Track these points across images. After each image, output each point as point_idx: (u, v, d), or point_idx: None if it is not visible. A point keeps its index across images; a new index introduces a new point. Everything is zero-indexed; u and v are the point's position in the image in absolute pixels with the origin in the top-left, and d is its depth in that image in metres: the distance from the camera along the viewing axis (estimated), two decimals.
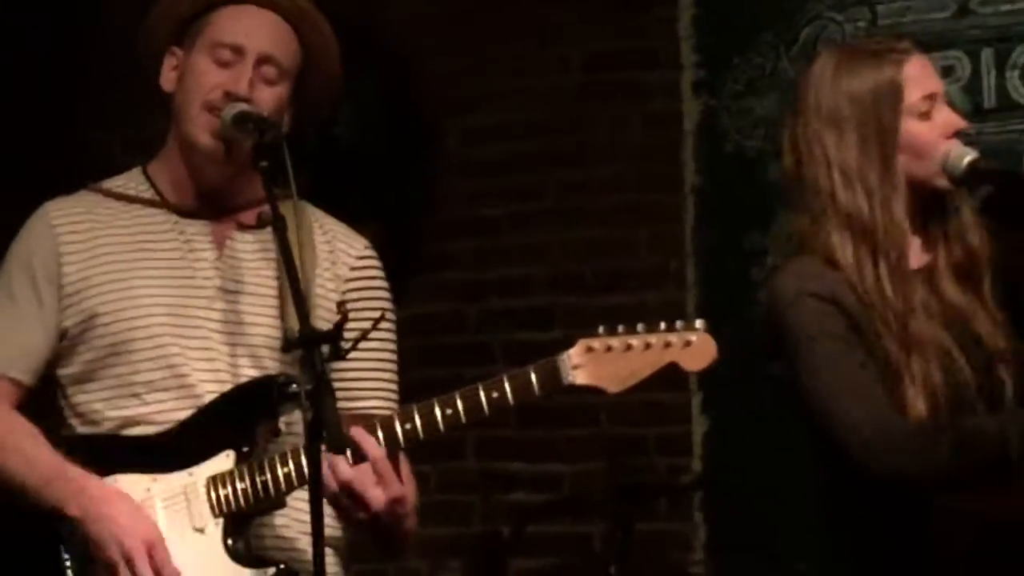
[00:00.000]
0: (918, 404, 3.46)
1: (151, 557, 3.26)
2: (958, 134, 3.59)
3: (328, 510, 3.30)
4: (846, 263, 3.54)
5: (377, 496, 3.23)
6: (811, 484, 3.77)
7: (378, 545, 3.46)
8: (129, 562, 3.25)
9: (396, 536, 3.40)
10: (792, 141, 3.66)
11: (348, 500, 3.24)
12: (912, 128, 3.57)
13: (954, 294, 3.58)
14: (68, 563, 3.36)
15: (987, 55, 5.33)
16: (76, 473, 3.35)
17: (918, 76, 3.60)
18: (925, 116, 3.58)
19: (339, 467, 3.19)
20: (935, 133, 3.57)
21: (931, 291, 3.58)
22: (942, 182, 3.58)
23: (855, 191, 3.56)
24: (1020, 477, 3.39)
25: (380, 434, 3.29)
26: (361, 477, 3.22)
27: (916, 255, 3.62)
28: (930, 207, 3.64)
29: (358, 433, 3.24)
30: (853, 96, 3.60)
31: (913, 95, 3.57)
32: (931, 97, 3.59)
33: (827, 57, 3.69)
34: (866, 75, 3.60)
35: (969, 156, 3.54)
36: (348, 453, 3.19)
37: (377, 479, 3.23)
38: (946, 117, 3.60)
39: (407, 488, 3.33)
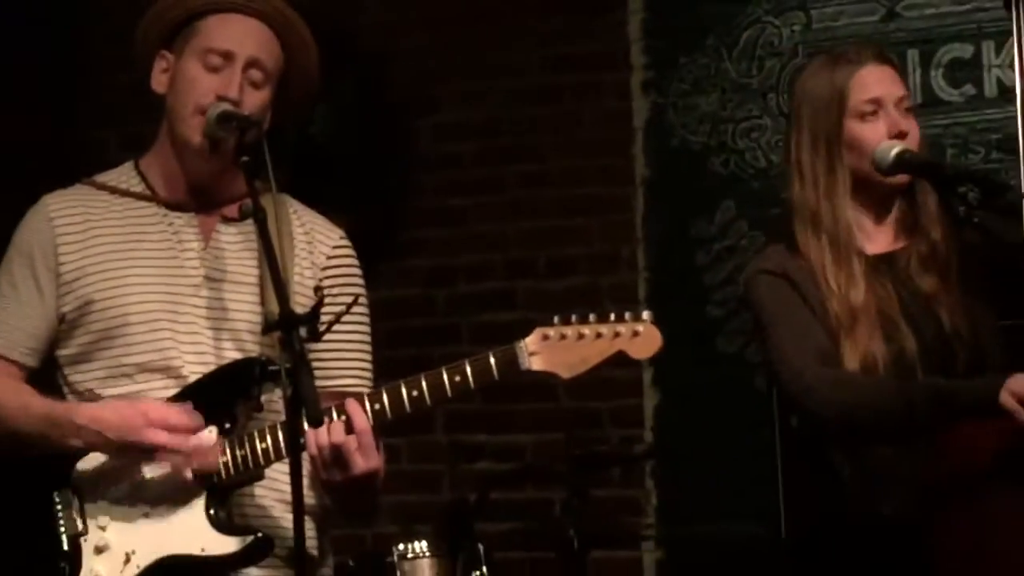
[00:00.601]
0: (852, 367, 3.58)
1: (153, 424, 3.27)
2: (901, 135, 3.62)
3: (305, 481, 3.31)
4: (804, 248, 3.69)
5: (358, 462, 3.23)
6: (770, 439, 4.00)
7: (347, 510, 3.49)
8: (157, 444, 3.27)
9: (365, 503, 3.44)
10: (781, 146, 3.82)
11: (332, 462, 3.23)
12: (854, 128, 3.68)
13: (921, 279, 3.67)
14: (61, 518, 3.36)
15: (913, 55, 5.33)
16: (63, 408, 3.40)
17: (867, 82, 3.69)
18: (868, 117, 3.67)
19: (334, 430, 3.21)
20: (876, 133, 3.63)
21: (896, 274, 3.68)
22: (880, 176, 3.61)
23: (806, 184, 3.72)
24: (922, 437, 3.48)
25: (370, 408, 3.28)
26: (347, 443, 3.21)
27: (884, 241, 3.75)
28: (894, 200, 3.74)
29: (351, 406, 3.26)
30: (810, 100, 3.75)
31: (857, 99, 3.68)
32: (875, 101, 3.68)
33: (806, 67, 3.80)
34: (822, 81, 3.74)
35: (896, 148, 3.64)
36: (342, 422, 3.22)
37: (360, 448, 3.22)
38: (891, 121, 3.67)
39: (380, 462, 3.32)
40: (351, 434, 3.22)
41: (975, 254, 3.65)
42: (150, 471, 3.34)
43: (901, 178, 3.67)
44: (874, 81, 3.69)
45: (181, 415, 3.30)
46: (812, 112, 3.71)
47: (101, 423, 3.32)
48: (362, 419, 3.24)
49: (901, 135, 3.65)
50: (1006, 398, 3.35)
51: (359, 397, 3.31)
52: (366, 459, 3.24)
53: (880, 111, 3.67)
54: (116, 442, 3.31)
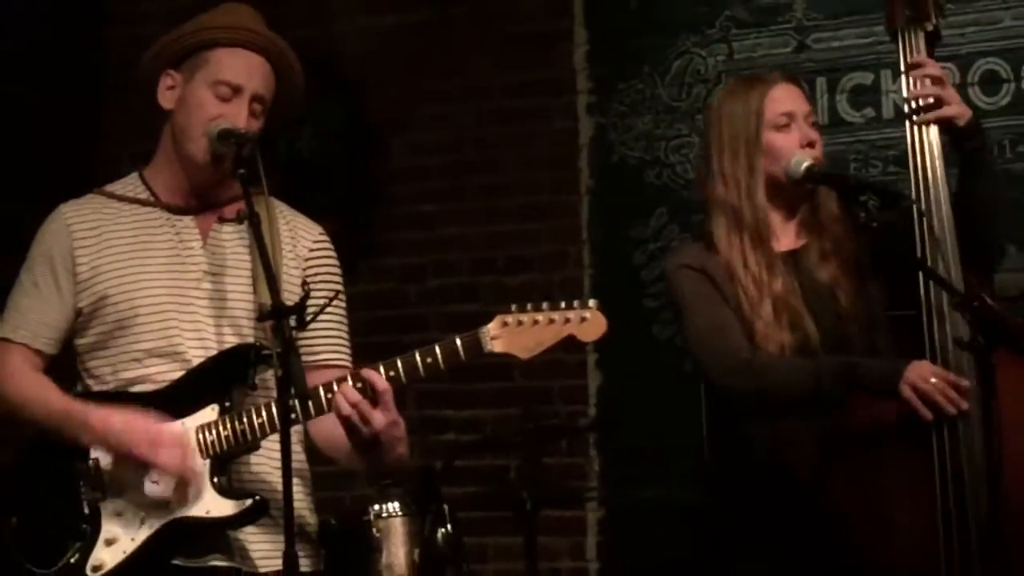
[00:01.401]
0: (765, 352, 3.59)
1: (162, 441, 3.27)
2: (812, 145, 3.63)
3: (296, 448, 3.40)
4: (721, 245, 3.68)
5: (379, 418, 3.20)
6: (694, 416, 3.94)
7: (374, 467, 3.46)
8: (150, 457, 3.26)
9: (391, 458, 3.36)
10: (699, 159, 3.80)
11: (357, 418, 3.20)
12: (770, 137, 3.69)
13: (820, 273, 3.67)
14: (82, 485, 3.36)
15: (821, 82, 5.35)
16: (78, 408, 3.38)
17: (780, 98, 3.71)
18: (782, 128, 3.68)
19: (350, 392, 3.20)
20: (790, 141, 3.64)
21: (799, 269, 3.68)
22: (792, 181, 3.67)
23: (728, 187, 3.70)
24: (833, 406, 3.48)
25: (399, 367, 3.27)
26: (366, 401, 3.20)
27: (790, 240, 3.74)
28: (800, 203, 3.74)
29: (369, 372, 3.24)
30: (729, 114, 3.74)
31: (773, 112, 3.69)
32: (788, 114, 3.70)
33: (720, 90, 3.81)
34: (741, 98, 3.74)
35: (807, 162, 3.64)
36: (358, 385, 3.21)
37: (380, 405, 3.21)
38: (802, 132, 3.69)
39: (399, 418, 3.30)
40: (373, 395, 3.20)
41: (867, 252, 3.66)
42: None
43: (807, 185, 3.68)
44: (786, 97, 3.72)
45: (176, 441, 3.28)
46: (732, 124, 3.70)
47: (109, 431, 3.31)
48: (380, 381, 3.22)
49: (811, 144, 3.68)
50: (904, 389, 3.37)
51: (343, 377, 3.28)
52: (387, 413, 3.22)
53: (792, 123, 3.68)
54: (116, 450, 3.31)
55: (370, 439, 3.24)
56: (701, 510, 3.90)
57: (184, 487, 3.28)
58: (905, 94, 3.67)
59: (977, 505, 3.34)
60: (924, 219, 3.53)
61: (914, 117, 3.62)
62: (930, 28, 3.72)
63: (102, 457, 3.34)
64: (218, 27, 3.47)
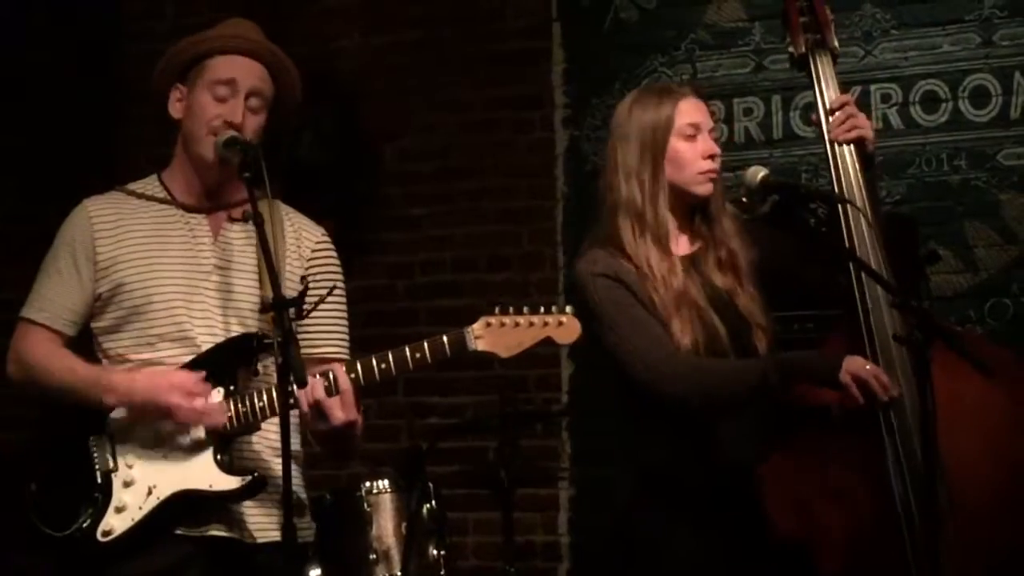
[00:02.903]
0: (683, 347, 3.49)
1: (174, 387, 3.28)
2: (713, 157, 3.59)
3: (292, 430, 3.37)
4: (626, 243, 3.57)
5: (338, 415, 3.24)
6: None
7: (331, 453, 3.48)
8: (174, 409, 3.28)
9: (347, 449, 3.44)
10: (604, 157, 3.69)
11: (317, 414, 3.25)
12: (677, 145, 3.60)
13: (717, 278, 3.60)
14: (96, 457, 3.37)
15: (776, 100, 5.35)
16: (102, 372, 3.40)
17: (688, 110, 3.63)
18: (689, 139, 3.61)
19: (316, 389, 3.21)
20: (694, 152, 3.60)
21: (696, 273, 3.60)
22: (698, 189, 3.61)
23: (632, 185, 3.59)
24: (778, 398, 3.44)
25: (360, 370, 3.31)
26: (330, 400, 3.23)
27: (685, 245, 3.66)
28: (694, 213, 3.66)
29: (336, 369, 3.27)
30: (640, 119, 3.62)
31: (681, 121, 3.61)
32: (695, 126, 3.62)
33: (629, 95, 3.71)
34: (651, 105, 3.64)
35: (762, 173, 3.59)
36: (327, 382, 3.23)
37: (342, 404, 3.25)
38: (705, 144, 3.64)
39: (359, 416, 3.33)
40: (337, 393, 3.23)
41: (755, 259, 3.62)
42: (169, 421, 3.34)
43: (705, 190, 3.60)
44: (694, 110, 3.62)
45: (196, 382, 3.30)
46: (641, 129, 3.59)
47: (133, 384, 3.32)
48: (345, 380, 3.25)
49: (713, 156, 3.60)
50: (844, 376, 3.36)
51: (341, 365, 3.31)
52: (346, 412, 3.25)
53: (698, 135, 3.60)
54: (141, 402, 3.30)
55: (328, 431, 3.28)
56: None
57: (207, 419, 3.29)
58: (824, 125, 3.66)
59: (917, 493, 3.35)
60: (853, 222, 3.54)
61: (839, 138, 3.61)
62: (836, 50, 3.73)
63: (120, 418, 3.35)
64: (213, 38, 3.50)
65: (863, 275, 3.50)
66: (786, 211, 3.62)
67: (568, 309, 3.32)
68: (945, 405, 3.19)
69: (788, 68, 5.24)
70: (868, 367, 3.37)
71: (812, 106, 3.73)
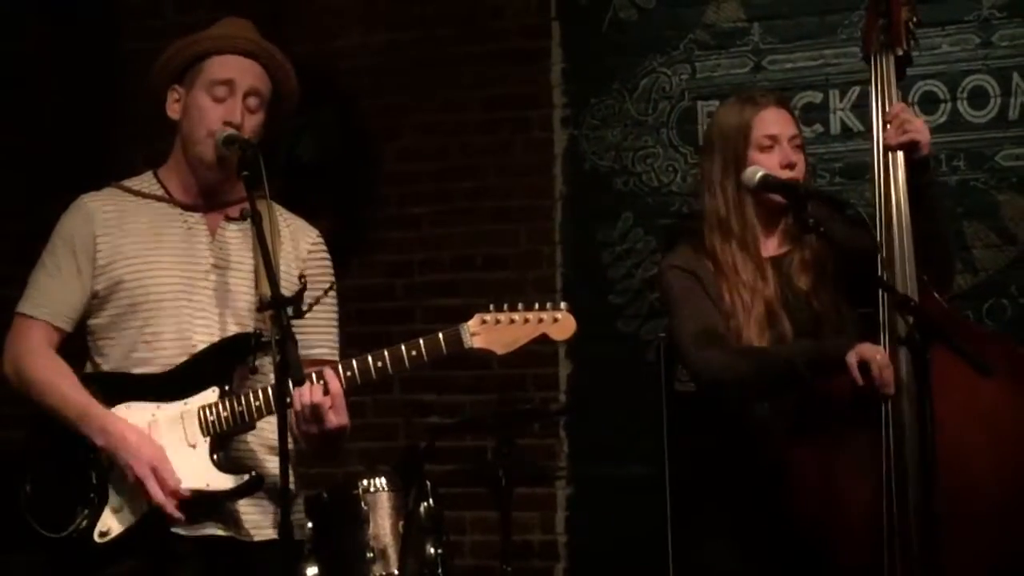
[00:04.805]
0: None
1: (157, 473, 3.24)
2: (791, 166, 3.61)
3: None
4: (716, 251, 3.66)
5: (331, 418, 3.24)
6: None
7: (317, 453, 3.47)
8: (144, 479, 3.24)
9: (332, 451, 3.44)
10: (698, 168, 3.76)
11: (311, 417, 3.24)
12: (754, 156, 3.65)
13: (800, 278, 3.66)
14: (92, 459, 3.34)
15: None
16: (98, 412, 3.33)
17: (767, 120, 3.67)
18: (766, 150, 3.65)
19: (314, 392, 3.21)
20: (772, 163, 3.64)
21: (781, 274, 3.66)
22: (777, 198, 3.63)
23: (716, 196, 3.68)
24: (809, 385, 3.45)
25: (345, 372, 3.30)
26: (323, 403, 3.22)
27: (773, 247, 3.71)
28: (782, 214, 3.68)
29: (328, 373, 3.27)
30: (722, 131, 3.71)
31: (758, 133, 3.66)
32: (772, 137, 3.66)
33: (720, 105, 3.76)
34: (733, 116, 3.71)
35: (761, 172, 3.60)
36: (318, 384, 3.23)
37: (333, 407, 3.24)
38: (783, 154, 3.66)
39: (347, 420, 3.32)
40: (327, 395, 3.23)
41: (840, 260, 3.63)
42: (165, 420, 3.32)
43: (776, 198, 3.63)
44: (773, 121, 3.67)
45: (172, 475, 3.25)
46: (723, 141, 3.68)
47: (121, 443, 3.28)
48: (336, 384, 3.25)
49: (791, 166, 3.63)
50: (849, 356, 3.36)
51: (335, 365, 3.31)
52: (338, 417, 3.25)
53: (776, 145, 3.64)
54: (122, 462, 3.27)
55: (316, 433, 3.27)
56: (658, 486, 3.83)
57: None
58: (876, 127, 3.63)
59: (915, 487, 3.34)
60: (877, 227, 3.53)
61: (890, 143, 3.58)
62: (900, 53, 3.70)
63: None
64: (209, 38, 3.48)
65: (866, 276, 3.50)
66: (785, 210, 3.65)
67: (563, 306, 3.32)
68: (958, 402, 3.22)
69: (786, 69, 5.33)
70: (879, 354, 3.36)
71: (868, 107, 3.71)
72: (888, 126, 3.61)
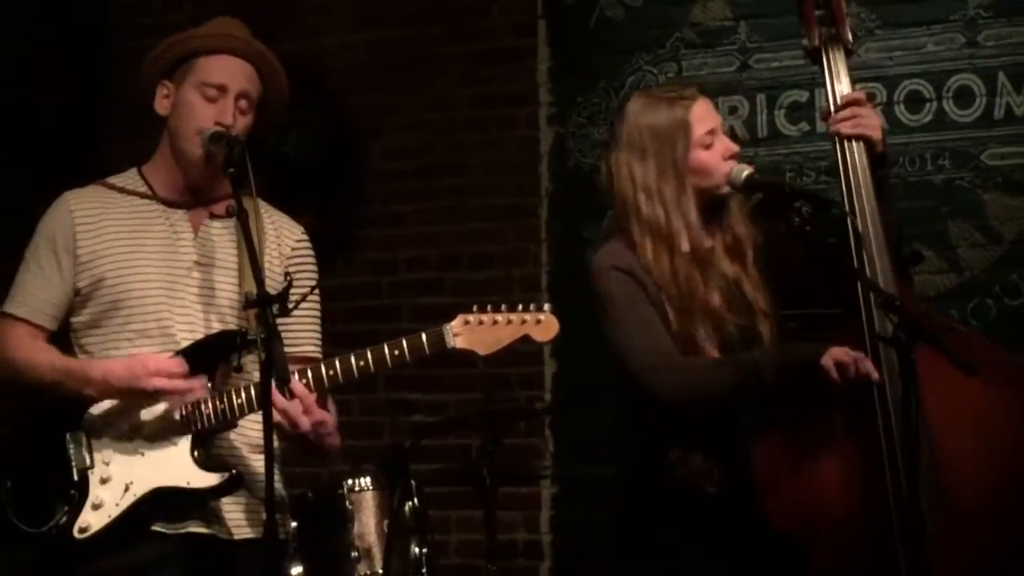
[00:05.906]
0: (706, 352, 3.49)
1: (161, 376, 3.25)
2: (733, 156, 3.57)
3: None
4: (643, 248, 3.54)
5: (304, 421, 3.24)
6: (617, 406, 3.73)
7: (307, 454, 3.45)
8: (159, 390, 3.26)
9: (321, 448, 3.40)
10: (607, 164, 3.64)
11: (285, 421, 3.23)
12: (698, 155, 3.57)
13: (727, 267, 3.58)
14: (72, 454, 3.34)
15: (761, 98, 5.34)
16: (77, 365, 3.36)
17: (702, 116, 3.59)
18: (708, 146, 3.58)
19: (278, 399, 3.18)
20: (716, 157, 3.57)
21: (710, 266, 3.58)
22: (725, 190, 3.60)
23: (654, 204, 3.55)
24: (776, 396, 3.40)
25: (310, 376, 3.30)
26: (294, 407, 3.22)
27: (699, 240, 3.62)
28: (709, 207, 3.62)
29: (295, 384, 3.24)
30: (653, 131, 3.57)
31: (698, 131, 3.58)
32: (711, 132, 3.60)
33: (634, 100, 3.67)
34: (663, 116, 3.58)
35: (747, 171, 3.58)
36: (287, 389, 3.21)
37: (305, 410, 3.23)
38: (723, 144, 3.61)
39: (328, 416, 3.33)
40: (293, 400, 3.22)
41: (763, 255, 3.60)
42: (147, 417, 3.32)
43: (727, 189, 3.57)
44: (709, 113, 3.59)
45: (175, 365, 3.28)
46: (657, 144, 3.54)
47: (111, 374, 3.29)
48: (302, 390, 3.24)
49: (733, 156, 3.58)
50: (825, 359, 3.31)
51: (317, 364, 3.32)
52: (311, 416, 3.24)
53: (715, 139, 3.57)
54: (123, 388, 3.28)
55: (297, 435, 3.28)
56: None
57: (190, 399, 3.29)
58: (832, 112, 3.62)
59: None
60: (853, 224, 3.50)
61: (840, 132, 3.56)
62: (849, 44, 3.68)
63: (98, 414, 3.33)
64: (202, 36, 3.48)
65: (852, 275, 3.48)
66: (770, 209, 3.62)
67: (546, 307, 3.32)
68: (945, 401, 3.20)
69: (773, 67, 5.33)
70: (848, 352, 3.33)
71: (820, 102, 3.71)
72: (839, 113, 3.56)
